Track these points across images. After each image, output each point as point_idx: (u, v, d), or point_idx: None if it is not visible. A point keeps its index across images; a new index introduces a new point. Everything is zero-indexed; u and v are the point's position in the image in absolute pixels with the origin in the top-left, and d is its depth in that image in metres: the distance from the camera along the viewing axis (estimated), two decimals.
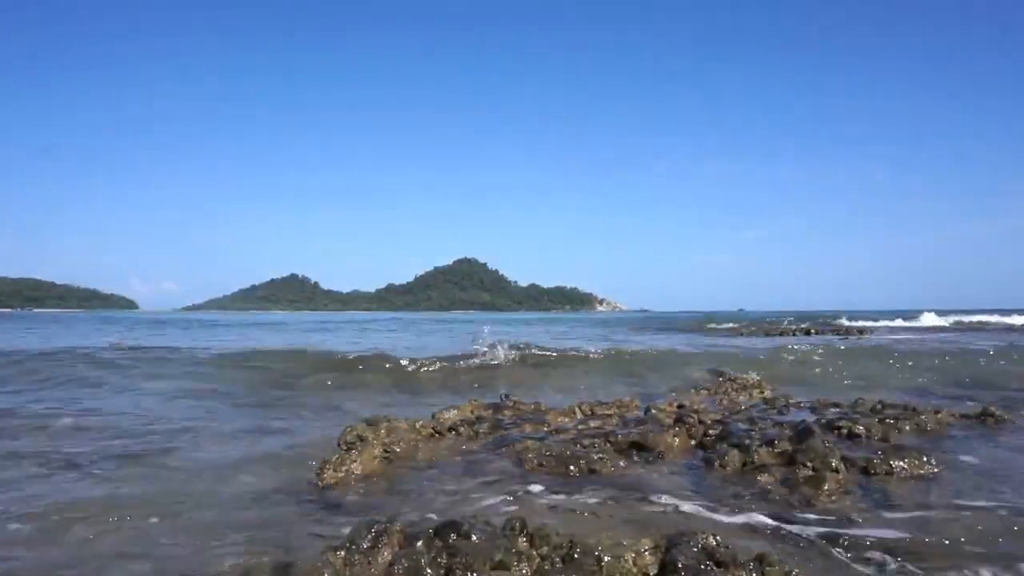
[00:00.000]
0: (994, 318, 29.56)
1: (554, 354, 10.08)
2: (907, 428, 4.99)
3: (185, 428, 5.31)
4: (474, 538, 2.38)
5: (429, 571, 2.32)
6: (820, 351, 11.41)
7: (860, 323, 26.77)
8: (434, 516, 2.96)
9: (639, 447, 4.42)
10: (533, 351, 10.09)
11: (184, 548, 2.74)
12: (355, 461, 4.03)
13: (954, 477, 3.70)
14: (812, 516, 3.05)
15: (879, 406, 5.80)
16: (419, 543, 2.41)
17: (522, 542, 2.42)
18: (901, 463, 3.98)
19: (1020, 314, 31.91)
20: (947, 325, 26.74)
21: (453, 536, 2.40)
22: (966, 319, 29.00)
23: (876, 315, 31.95)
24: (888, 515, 3.06)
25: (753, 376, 8.01)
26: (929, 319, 29.63)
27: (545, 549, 2.39)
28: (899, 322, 28.83)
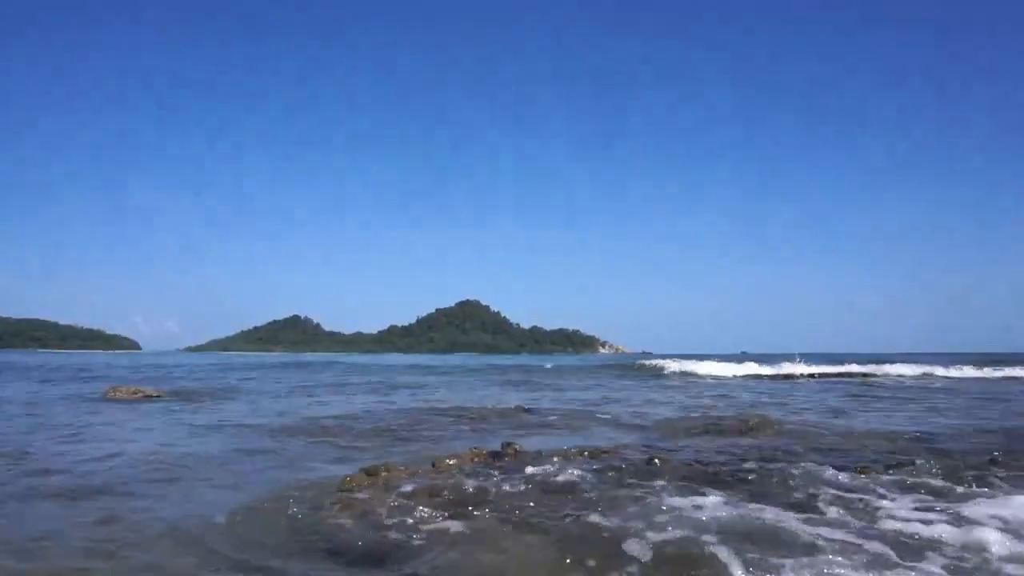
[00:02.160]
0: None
1: None
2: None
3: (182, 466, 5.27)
4: None
5: None
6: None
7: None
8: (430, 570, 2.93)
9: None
10: None
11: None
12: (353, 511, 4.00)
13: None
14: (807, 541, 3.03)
15: (867, 445, 5.77)
16: None
17: None
18: (890, 499, 3.95)
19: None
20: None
21: None
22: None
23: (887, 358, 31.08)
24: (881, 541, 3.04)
25: (754, 418, 7.97)
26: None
27: None
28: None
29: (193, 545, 3.40)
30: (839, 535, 3.18)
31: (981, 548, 3.00)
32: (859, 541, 3.09)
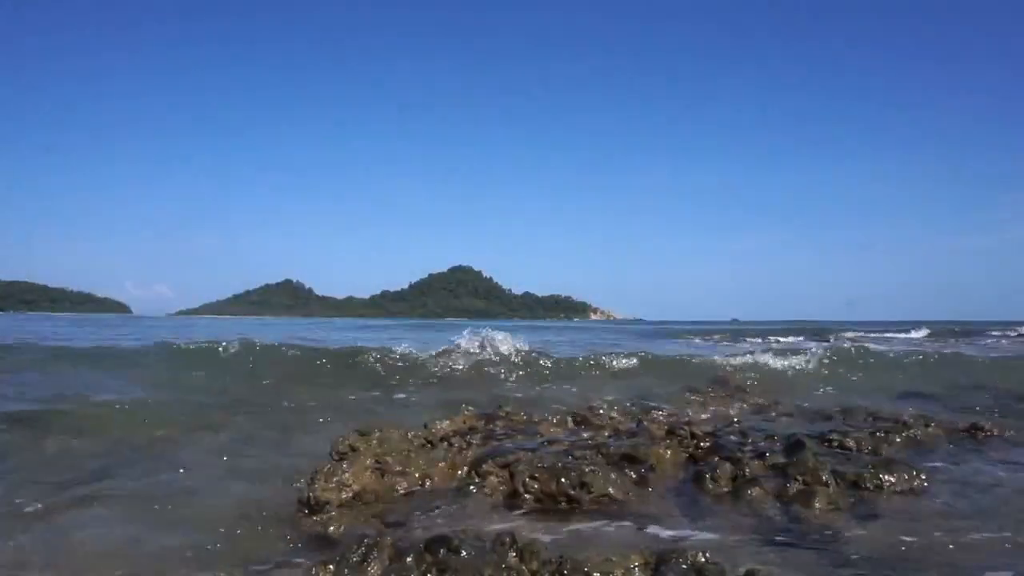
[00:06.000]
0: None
1: None
2: (897, 441, 5.01)
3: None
4: (464, 553, 2.39)
5: None
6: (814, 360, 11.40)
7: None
8: (425, 530, 2.96)
9: (630, 459, 4.42)
10: None
11: (169, 555, 2.73)
12: (346, 472, 4.01)
13: (943, 491, 3.72)
14: (802, 530, 3.07)
15: (870, 418, 5.83)
16: (409, 558, 2.41)
17: (512, 557, 2.42)
18: (890, 477, 4.00)
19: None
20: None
21: (443, 551, 2.40)
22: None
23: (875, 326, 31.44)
24: (877, 529, 3.08)
25: (745, 383, 8.05)
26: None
27: (535, 565, 2.39)
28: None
29: None
30: None
31: None
32: None
